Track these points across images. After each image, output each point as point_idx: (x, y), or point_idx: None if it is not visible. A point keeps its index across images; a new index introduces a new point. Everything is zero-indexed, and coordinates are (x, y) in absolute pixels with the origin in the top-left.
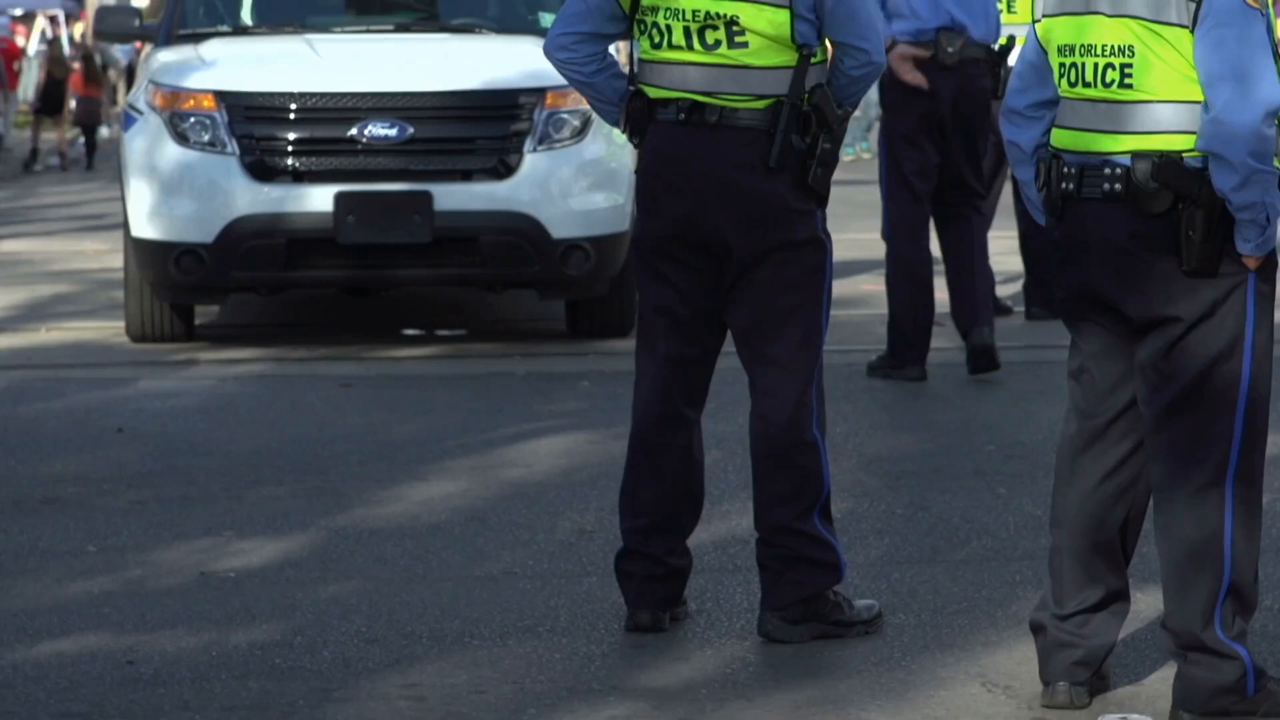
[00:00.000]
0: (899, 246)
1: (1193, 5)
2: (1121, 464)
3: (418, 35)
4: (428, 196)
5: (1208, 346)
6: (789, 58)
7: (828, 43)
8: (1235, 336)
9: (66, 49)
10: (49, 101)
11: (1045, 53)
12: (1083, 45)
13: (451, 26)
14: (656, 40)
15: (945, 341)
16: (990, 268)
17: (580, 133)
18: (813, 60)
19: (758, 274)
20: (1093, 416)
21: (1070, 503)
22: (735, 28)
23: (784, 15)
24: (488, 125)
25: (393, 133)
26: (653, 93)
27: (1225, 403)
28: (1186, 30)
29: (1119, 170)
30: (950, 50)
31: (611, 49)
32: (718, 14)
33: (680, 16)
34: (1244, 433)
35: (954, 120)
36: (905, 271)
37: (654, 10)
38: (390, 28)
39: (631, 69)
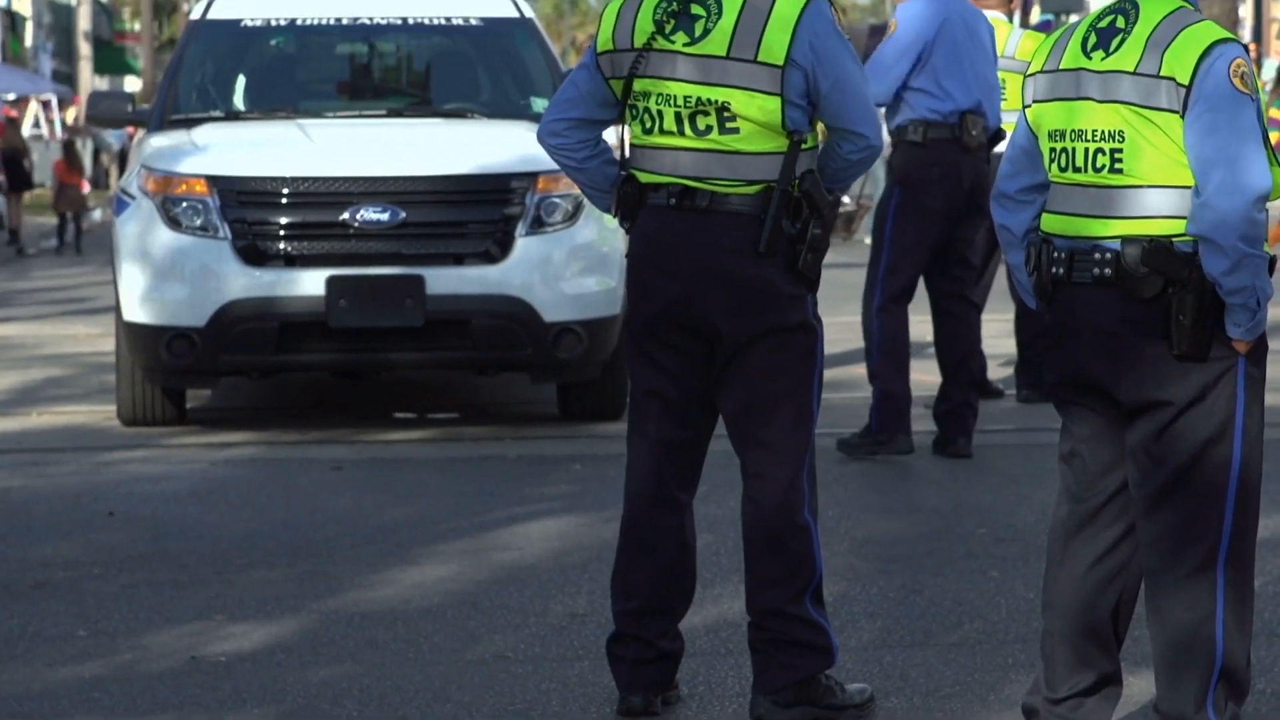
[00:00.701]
0: (893, 317)
1: (1183, 90)
2: (1113, 548)
3: (410, 120)
4: (419, 280)
5: (1198, 431)
6: (780, 144)
7: (819, 127)
8: (1226, 421)
9: (58, 132)
10: (11, 178)
11: (1036, 138)
12: (1073, 130)
13: (444, 111)
14: (648, 125)
15: (932, 425)
16: (982, 352)
17: (572, 217)
18: (804, 146)
19: (748, 358)
20: (1084, 500)
21: (1062, 586)
22: (726, 114)
23: (775, 102)
24: (480, 209)
25: (384, 217)
26: (644, 178)
27: (1216, 487)
28: (1177, 115)
29: (1109, 255)
30: (974, 133)
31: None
32: (709, 100)
33: (672, 102)
34: (1235, 517)
35: (967, 203)
36: (897, 342)
37: (645, 96)
38: (383, 113)
39: (622, 154)
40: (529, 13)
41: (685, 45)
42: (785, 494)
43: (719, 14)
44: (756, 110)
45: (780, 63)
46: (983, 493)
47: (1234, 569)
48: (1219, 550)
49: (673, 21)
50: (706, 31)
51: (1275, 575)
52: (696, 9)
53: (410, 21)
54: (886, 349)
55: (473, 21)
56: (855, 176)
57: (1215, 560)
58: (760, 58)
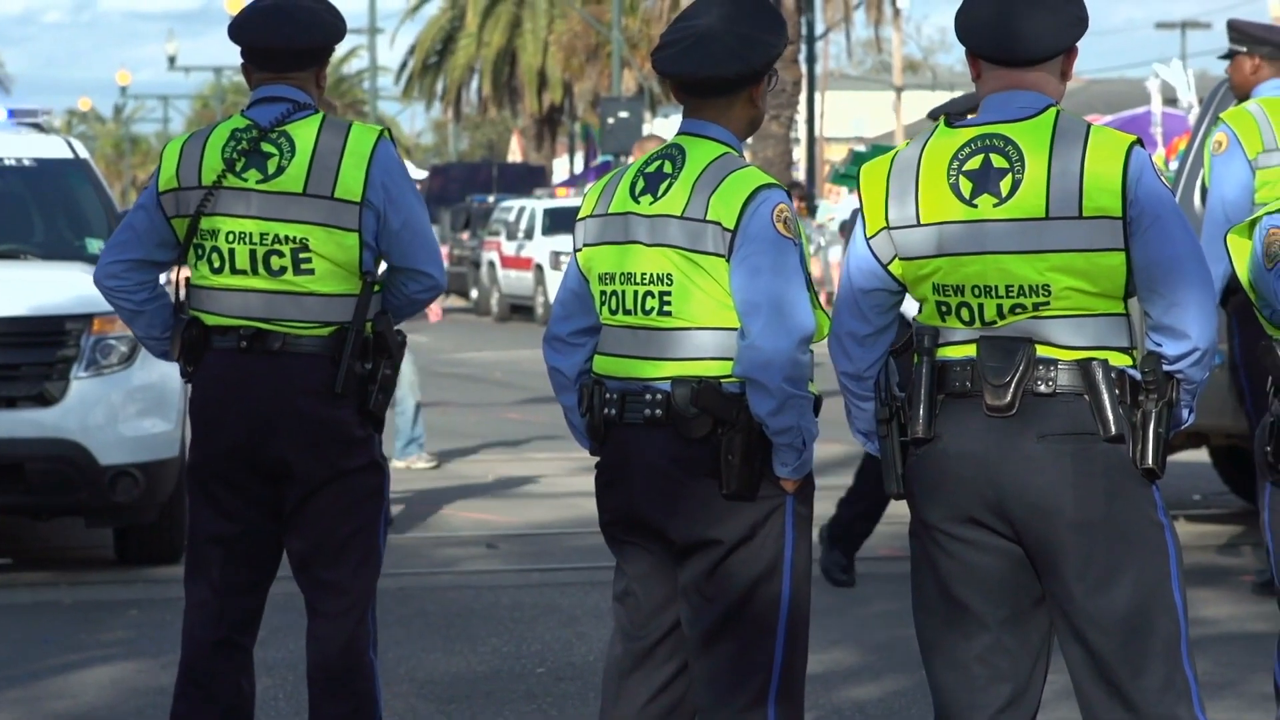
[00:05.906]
0: None
1: (729, 235)
2: (667, 685)
3: None
4: None
5: (748, 568)
6: (353, 285)
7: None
8: (775, 558)
9: None
10: None
11: (587, 281)
12: (623, 273)
13: None
14: (216, 265)
15: (500, 564)
16: None
17: (129, 359)
18: (375, 289)
19: (319, 500)
20: (638, 639)
21: None
22: (303, 253)
23: (354, 239)
24: (33, 351)
25: None
26: (210, 319)
27: (766, 624)
28: (723, 259)
29: (660, 396)
30: None
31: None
32: (286, 237)
33: (246, 240)
34: (785, 653)
35: None
36: None
37: (214, 234)
38: None
39: (178, 297)
40: (84, 153)
41: (258, 182)
42: (351, 633)
43: (292, 153)
44: (335, 248)
45: (357, 199)
46: (543, 631)
47: (785, 703)
48: (770, 686)
49: (243, 160)
50: (280, 169)
51: (828, 710)
52: (268, 147)
53: None
54: None
55: (25, 162)
56: (414, 314)
57: (767, 696)
58: (337, 194)
